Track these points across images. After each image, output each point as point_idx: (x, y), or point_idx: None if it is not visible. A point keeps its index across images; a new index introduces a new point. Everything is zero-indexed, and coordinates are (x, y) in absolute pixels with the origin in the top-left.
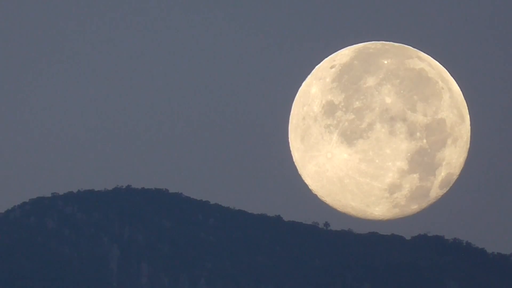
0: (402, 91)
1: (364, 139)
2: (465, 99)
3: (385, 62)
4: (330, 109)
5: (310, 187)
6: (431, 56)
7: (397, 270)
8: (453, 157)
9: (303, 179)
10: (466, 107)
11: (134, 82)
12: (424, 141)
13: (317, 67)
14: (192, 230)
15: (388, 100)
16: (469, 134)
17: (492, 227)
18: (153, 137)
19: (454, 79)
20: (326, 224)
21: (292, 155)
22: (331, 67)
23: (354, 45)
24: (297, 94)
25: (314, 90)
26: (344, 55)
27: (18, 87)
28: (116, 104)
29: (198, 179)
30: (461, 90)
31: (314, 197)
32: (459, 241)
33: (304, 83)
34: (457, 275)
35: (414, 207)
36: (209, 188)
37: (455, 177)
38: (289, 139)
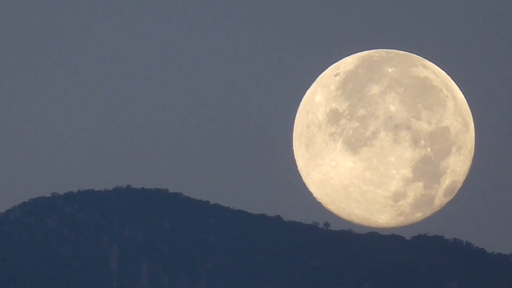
0: (406, 99)
1: (368, 147)
2: (469, 107)
3: (390, 70)
4: (334, 117)
5: (314, 195)
6: (436, 64)
7: (397, 270)
8: (458, 165)
9: (308, 187)
10: (471, 115)
11: (134, 82)
12: (429, 149)
13: (321, 75)
14: (192, 230)
15: (393, 108)
16: (473, 142)
17: (492, 227)
18: (153, 137)
19: (459, 87)
20: (326, 224)
21: (296, 163)
22: (336, 75)
23: (358, 53)
24: (301, 102)
25: (319, 98)
26: (348, 63)
27: (18, 87)
28: (116, 104)
29: (198, 179)
30: (466, 98)
31: (315, 199)
32: (459, 241)
33: (308, 91)
34: (457, 275)
35: (419, 215)
36: (209, 188)
37: (459, 185)
38: (294, 147)
